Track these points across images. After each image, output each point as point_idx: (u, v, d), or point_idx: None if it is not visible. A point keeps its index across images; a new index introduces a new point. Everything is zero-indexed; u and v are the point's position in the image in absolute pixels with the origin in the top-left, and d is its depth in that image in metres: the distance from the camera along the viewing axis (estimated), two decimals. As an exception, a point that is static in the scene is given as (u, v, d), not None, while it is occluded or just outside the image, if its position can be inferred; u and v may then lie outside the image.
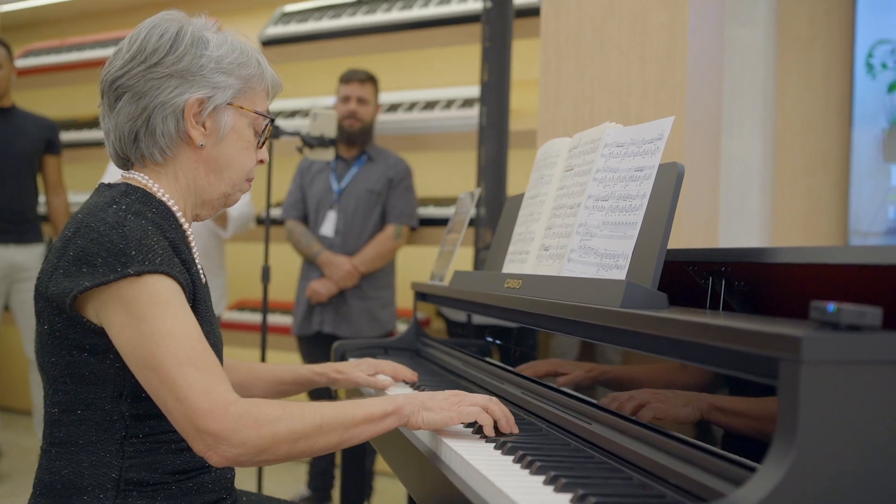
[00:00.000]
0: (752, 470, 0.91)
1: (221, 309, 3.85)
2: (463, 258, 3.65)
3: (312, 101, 4.52)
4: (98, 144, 5.00)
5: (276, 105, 4.51)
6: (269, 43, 4.41)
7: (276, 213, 4.06)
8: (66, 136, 4.97)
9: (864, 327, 0.85)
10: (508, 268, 1.87)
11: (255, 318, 4.22)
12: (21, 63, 5.26)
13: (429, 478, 1.29)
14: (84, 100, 5.47)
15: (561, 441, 1.32)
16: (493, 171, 3.22)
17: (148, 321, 1.20)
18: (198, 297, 1.33)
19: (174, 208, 1.36)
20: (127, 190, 1.33)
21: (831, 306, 0.86)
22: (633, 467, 1.14)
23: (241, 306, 4.55)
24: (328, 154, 3.32)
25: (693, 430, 1.06)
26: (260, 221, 4.18)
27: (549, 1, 2.66)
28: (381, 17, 4.15)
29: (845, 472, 0.84)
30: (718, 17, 2.60)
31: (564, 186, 1.71)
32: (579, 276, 1.49)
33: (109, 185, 1.36)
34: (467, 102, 4.06)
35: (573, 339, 1.43)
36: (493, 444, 1.28)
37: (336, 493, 3.71)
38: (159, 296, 1.21)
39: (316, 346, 3.67)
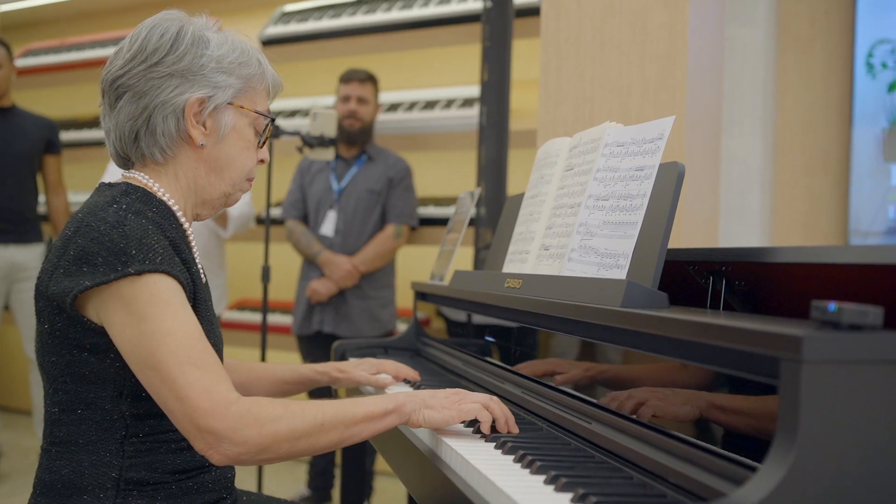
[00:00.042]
0: (752, 469, 0.91)
1: (221, 309, 3.85)
2: (463, 258, 3.65)
3: (312, 100, 4.52)
4: (98, 144, 5.00)
5: (276, 105, 4.51)
6: (268, 42, 4.41)
7: (276, 212, 4.06)
8: (65, 135, 4.97)
9: (865, 327, 0.85)
10: (509, 267, 1.87)
11: (255, 317, 4.22)
12: (21, 63, 5.26)
13: (429, 477, 1.29)
14: (84, 99, 5.47)
15: (561, 440, 1.32)
16: (493, 170, 3.22)
17: (148, 320, 1.20)
18: (198, 297, 1.33)
19: (174, 208, 1.36)
20: (127, 189, 1.33)
21: (832, 306, 0.86)
22: (634, 467, 1.13)
23: (241, 306, 4.55)
24: (328, 154, 3.32)
25: (693, 429, 1.06)
26: (260, 221, 4.18)
27: (549, 0, 2.66)
28: (381, 16, 4.15)
29: (846, 471, 0.84)
30: (718, 16, 2.60)
31: (565, 186, 1.71)
32: (580, 275, 1.49)
33: (110, 185, 1.36)
34: (467, 102, 4.06)
35: (574, 338, 1.43)
36: (494, 444, 1.28)
37: (336, 493, 3.71)
38: (160, 295, 1.21)
39: (316, 346, 3.67)
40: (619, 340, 1.26)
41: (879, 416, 0.85)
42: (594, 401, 1.31)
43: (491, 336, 1.88)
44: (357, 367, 1.82)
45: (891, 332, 0.85)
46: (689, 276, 1.43)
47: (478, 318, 1.99)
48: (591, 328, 1.33)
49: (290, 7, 4.57)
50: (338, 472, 3.67)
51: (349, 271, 3.57)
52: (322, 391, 1.93)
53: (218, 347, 1.39)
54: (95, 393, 1.28)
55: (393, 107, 4.26)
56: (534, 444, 1.28)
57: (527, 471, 1.14)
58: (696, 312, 1.20)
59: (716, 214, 2.61)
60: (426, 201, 4.00)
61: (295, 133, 3.26)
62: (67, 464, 1.29)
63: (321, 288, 3.59)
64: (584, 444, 1.28)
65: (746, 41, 3.32)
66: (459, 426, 1.39)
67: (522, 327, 1.67)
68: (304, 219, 3.80)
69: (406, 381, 1.86)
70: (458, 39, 4.04)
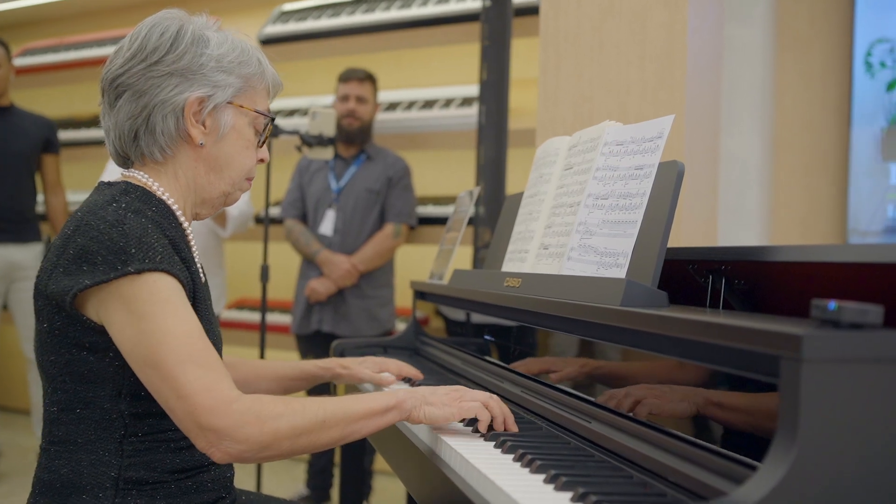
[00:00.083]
0: (752, 468, 0.91)
1: (220, 308, 3.85)
2: (462, 257, 3.65)
3: (311, 99, 4.52)
4: (96, 143, 5.00)
5: (275, 104, 4.51)
6: (267, 42, 4.41)
7: (274, 211, 4.06)
8: (64, 135, 4.97)
9: (865, 325, 0.85)
10: (508, 266, 1.87)
11: (254, 316, 4.21)
12: (19, 62, 5.26)
13: (428, 476, 1.29)
14: (82, 99, 5.47)
15: (561, 439, 1.32)
16: (492, 169, 3.22)
17: (148, 319, 1.20)
18: (197, 296, 1.33)
19: (174, 207, 1.36)
20: (127, 188, 1.33)
21: (832, 304, 0.86)
22: (634, 466, 1.13)
23: (240, 305, 4.55)
24: (327, 153, 3.32)
25: (693, 428, 1.06)
26: (259, 220, 4.18)
27: (548, 0, 2.66)
28: (379, 15, 4.15)
29: (846, 470, 0.84)
30: (717, 16, 2.60)
31: (564, 185, 1.71)
32: (579, 274, 1.49)
33: (109, 184, 1.36)
34: (466, 101, 4.06)
35: (573, 337, 1.43)
36: (493, 443, 1.28)
37: (335, 492, 3.71)
38: (160, 294, 1.21)
39: (315, 345, 3.67)
40: (619, 339, 1.26)
41: (880, 414, 0.85)
42: (594, 400, 1.31)
43: (490, 335, 1.88)
44: (360, 364, 1.82)
45: (891, 331, 0.85)
46: (688, 275, 1.43)
47: (477, 318, 1.99)
48: (590, 327, 1.33)
49: (288, 6, 4.57)
50: (337, 472, 3.67)
51: (348, 270, 3.57)
52: (321, 389, 1.94)
53: (217, 347, 1.39)
54: (94, 392, 1.28)
55: (392, 106, 4.26)
56: (533, 442, 1.28)
57: (526, 470, 1.14)
58: (696, 311, 1.20)
59: (715, 213, 2.61)
60: (425, 200, 4.00)
61: (294, 132, 3.26)
62: (66, 463, 1.29)
63: (320, 287, 3.59)
64: (583, 443, 1.28)
65: (745, 40, 3.32)
66: (458, 425, 1.39)
67: (522, 326, 1.67)
68: (303, 218, 3.80)
69: (407, 380, 1.86)
70: (457, 38, 4.04)
